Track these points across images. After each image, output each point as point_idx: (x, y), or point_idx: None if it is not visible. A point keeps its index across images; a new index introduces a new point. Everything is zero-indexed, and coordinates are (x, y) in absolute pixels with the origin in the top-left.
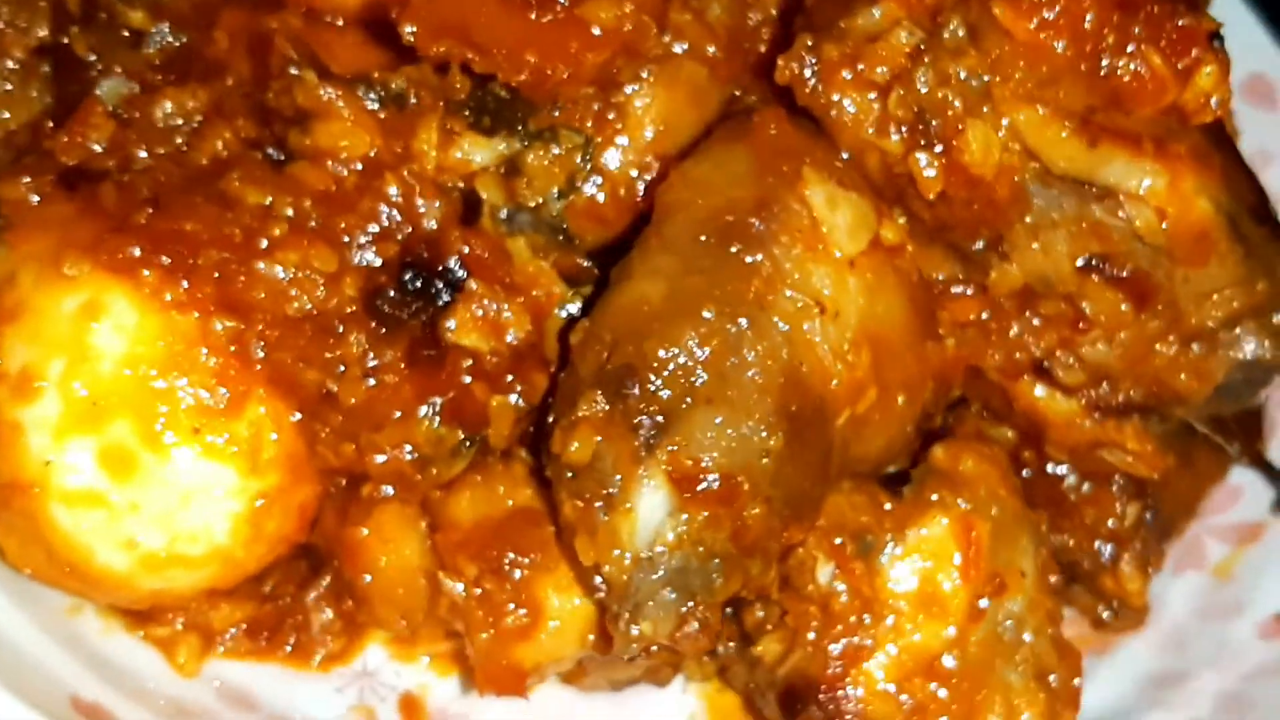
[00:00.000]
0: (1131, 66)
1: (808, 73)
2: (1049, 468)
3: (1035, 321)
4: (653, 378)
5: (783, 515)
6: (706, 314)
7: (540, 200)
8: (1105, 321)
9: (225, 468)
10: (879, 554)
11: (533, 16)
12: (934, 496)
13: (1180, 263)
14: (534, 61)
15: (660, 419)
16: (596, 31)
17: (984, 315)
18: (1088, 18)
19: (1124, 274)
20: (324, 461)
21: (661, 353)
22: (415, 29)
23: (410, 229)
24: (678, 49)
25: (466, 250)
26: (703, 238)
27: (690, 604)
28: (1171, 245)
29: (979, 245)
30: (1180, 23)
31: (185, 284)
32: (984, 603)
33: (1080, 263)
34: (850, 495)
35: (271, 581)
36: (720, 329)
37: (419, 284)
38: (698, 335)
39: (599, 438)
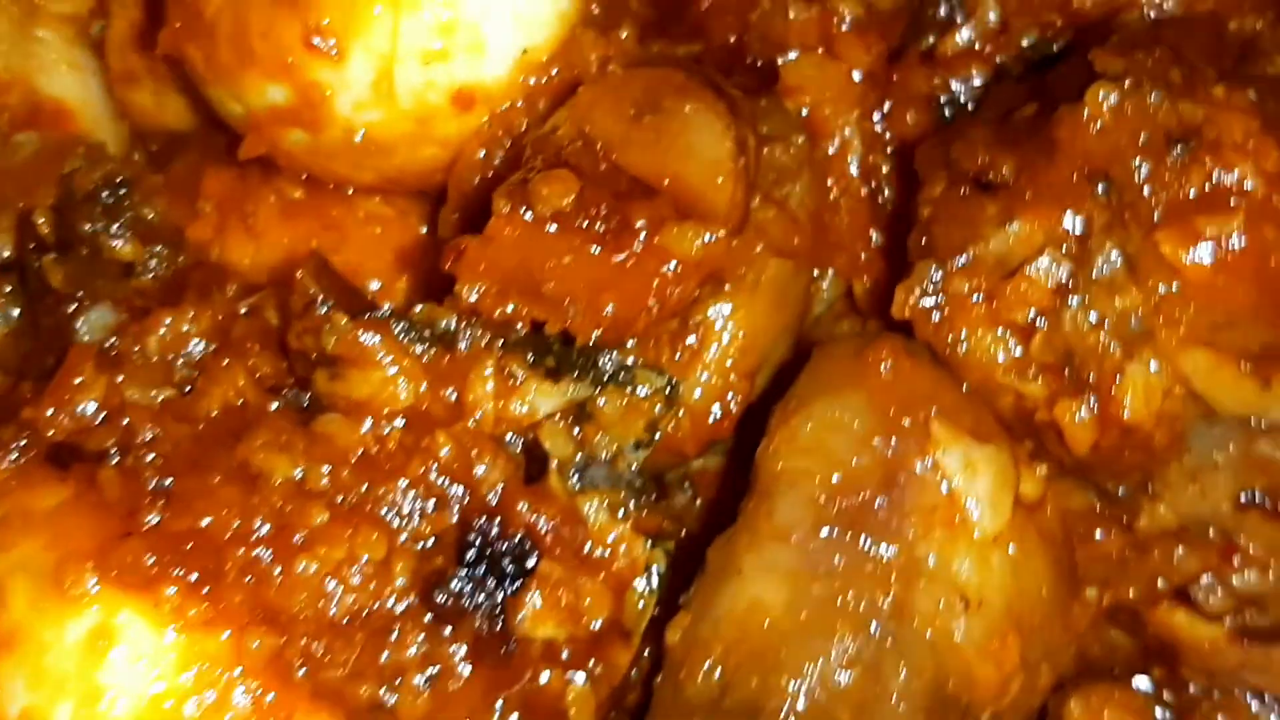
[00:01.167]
0: None
1: (931, 305)
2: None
3: (1180, 550)
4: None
5: None
6: (843, 635)
7: (616, 451)
8: (1262, 555)
9: None
10: None
11: (604, 256)
12: None
13: None
14: (613, 313)
15: None
16: (675, 269)
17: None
18: (1272, 256)
19: None
20: None
21: (793, 686)
22: (476, 291)
23: (467, 497)
24: (759, 249)
25: (535, 518)
26: (825, 530)
27: None
28: None
29: (1125, 486)
30: None
31: (211, 596)
32: None
33: (1241, 499)
34: None
35: None
36: (858, 652)
37: (484, 567)
38: (833, 663)
39: None
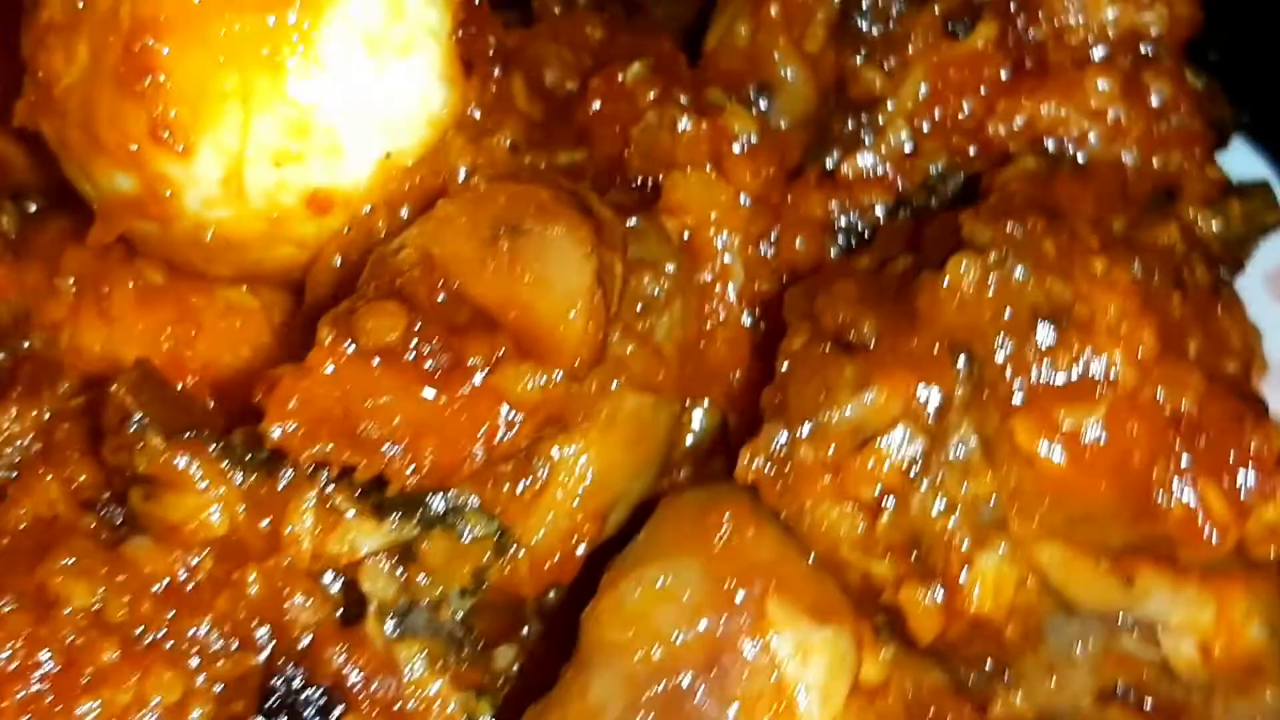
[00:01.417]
0: (1184, 501)
1: (775, 471)
2: None
3: None
4: None
5: None
6: None
7: (440, 597)
8: None
9: None
10: None
11: (433, 398)
12: None
13: (1224, 694)
14: (434, 458)
15: None
16: (509, 415)
17: None
18: (1135, 453)
19: (1151, 704)
20: None
21: None
22: (283, 429)
23: (275, 639)
24: (615, 384)
25: (346, 666)
26: (639, 715)
27: None
28: (1215, 678)
29: (978, 673)
30: (1249, 446)
31: None
32: None
33: (1102, 693)
34: None
35: None
36: None
37: (284, 718)
38: None
39: None
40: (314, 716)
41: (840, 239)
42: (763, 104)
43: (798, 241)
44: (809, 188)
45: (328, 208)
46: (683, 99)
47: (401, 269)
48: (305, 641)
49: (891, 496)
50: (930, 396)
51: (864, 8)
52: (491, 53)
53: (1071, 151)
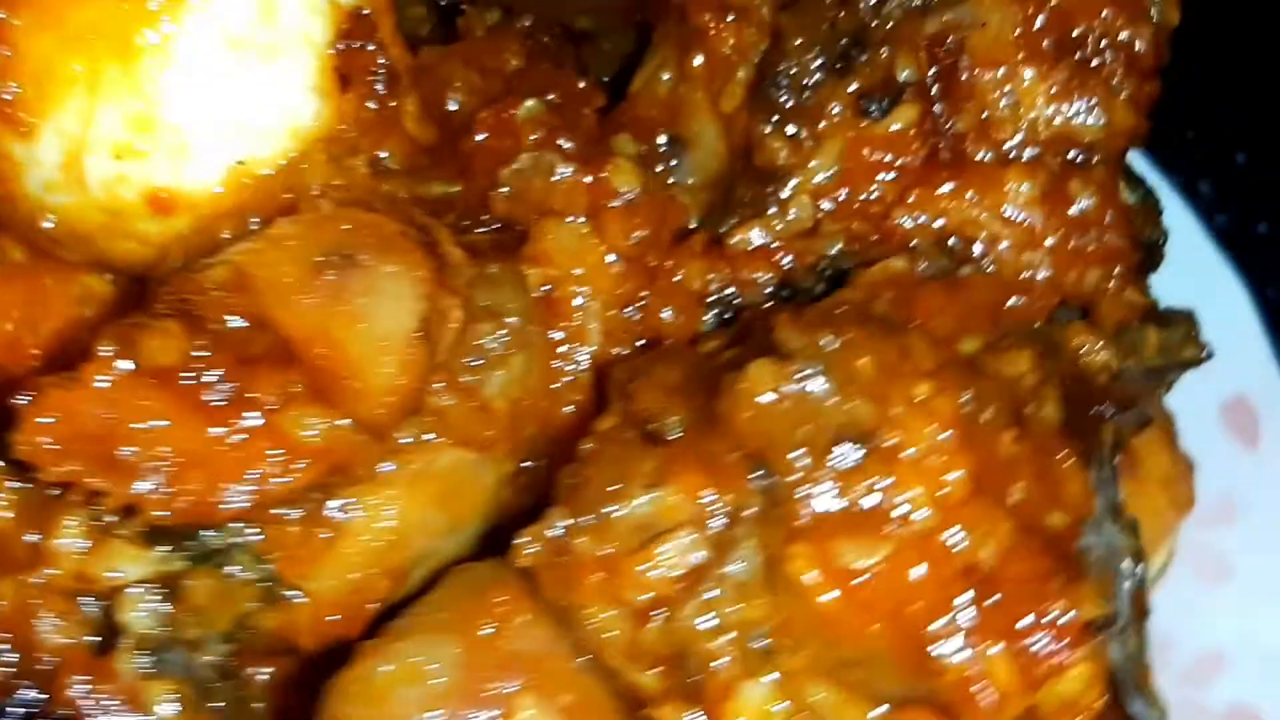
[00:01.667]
0: (959, 662)
1: (550, 560)
2: None
3: None
4: None
5: None
6: None
7: (200, 637)
8: None
9: None
10: None
11: (203, 429)
12: None
13: None
14: (195, 495)
15: None
16: (286, 458)
17: None
18: (917, 601)
19: None
20: None
21: None
22: (32, 442)
23: (19, 658)
24: (429, 437)
25: (88, 698)
26: None
27: None
28: None
29: None
30: (1051, 611)
31: None
32: None
33: None
34: None
35: None
36: None
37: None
38: None
39: None
40: None
41: (712, 314)
42: (672, 158)
43: (667, 311)
44: (692, 255)
45: (170, 209)
46: (566, 144)
47: (202, 286)
48: (49, 667)
49: (664, 607)
50: (721, 506)
51: (781, 73)
52: (378, 69)
53: (978, 254)
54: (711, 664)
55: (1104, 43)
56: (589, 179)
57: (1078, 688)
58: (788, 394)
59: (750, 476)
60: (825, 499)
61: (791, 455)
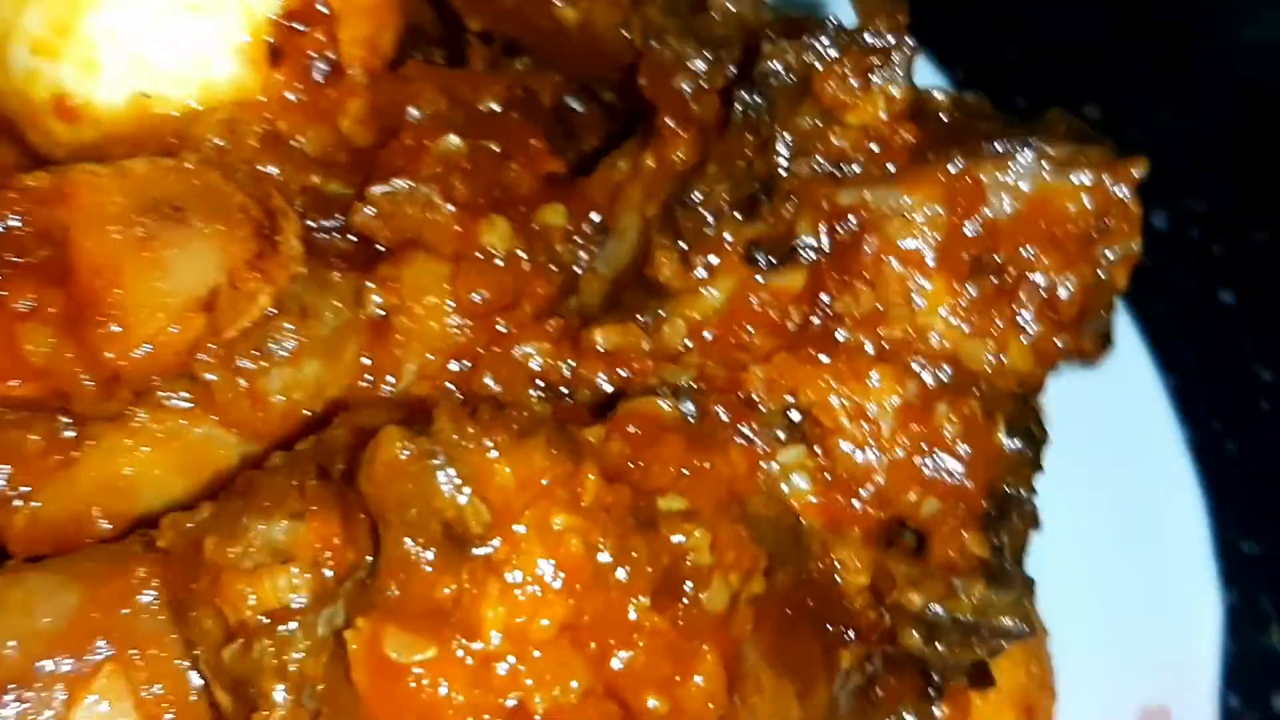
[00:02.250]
0: None
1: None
2: None
3: None
4: None
5: None
6: None
7: None
8: None
9: None
10: None
11: None
12: None
13: None
14: None
15: None
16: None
17: None
18: (444, 715)
19: None
20: None
21: None
22: None
23: None
24: (187, 405)
25: None
26: None
27: None
28: None
29: None
30: None
31: None
32: None
33: None
34: None
35: None
36: None
37: None
38: None
39: None
40: None
41: (538, 395)
42: (594, 243)
43: (488, 377)
44: (543, 334)
45: (73, 117)
46: (458, 186)
47: (18, 184)
48: None
49: (246, 634)
50: (339, 559)
51: (691, 199)
52: (318, 57)
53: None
54: (264, 707)
55: (1027, 278)
56: (458, 227)
57: None
58: (409, 473)
59: (367, 539)
60: (404, 585)
61: (400, 531)
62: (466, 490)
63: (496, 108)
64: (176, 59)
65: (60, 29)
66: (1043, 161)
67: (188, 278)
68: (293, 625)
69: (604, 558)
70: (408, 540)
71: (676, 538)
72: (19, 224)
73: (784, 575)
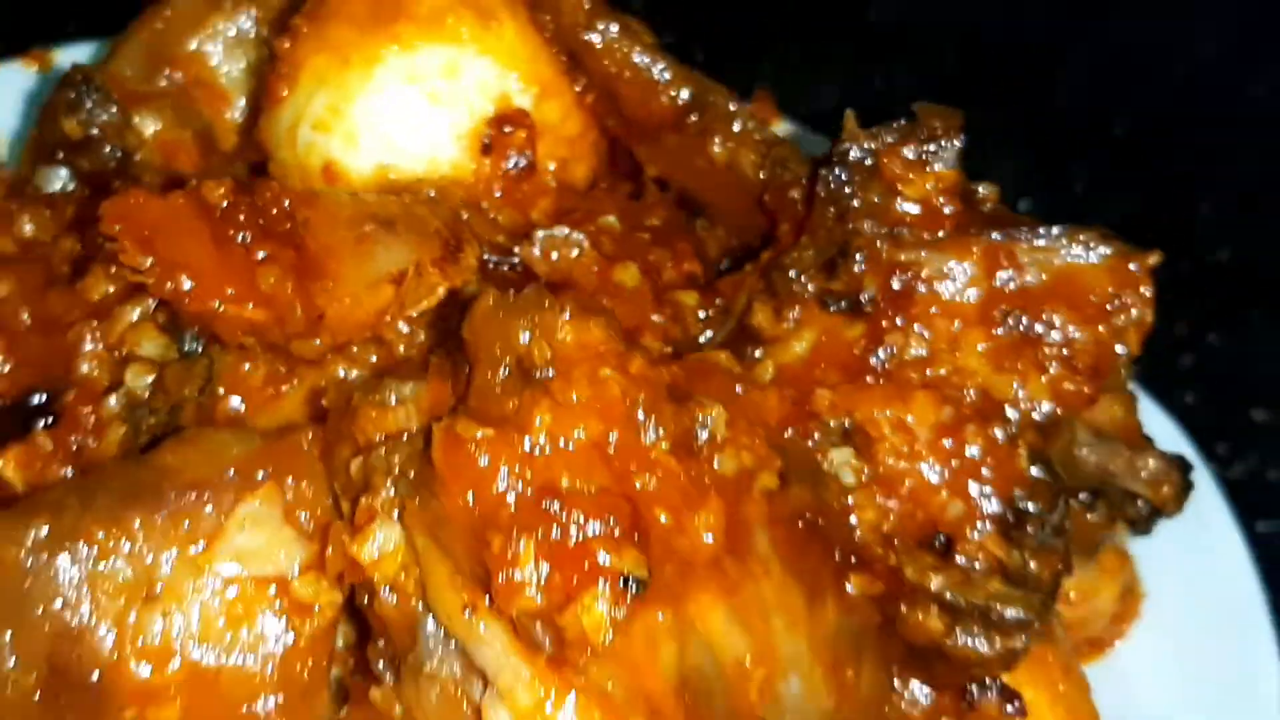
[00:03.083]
0: (505, 546)
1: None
2: None
3: None
4: None
5: None
6: (38, 531)
7: (155, 406)
8: None
9: None
10: None
11: (225, 254)
12: None
13: None
14: (192, 295)
15: None
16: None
17: None
18: (491, 484)
19: None
20: None
21: None
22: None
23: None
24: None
25: (80, 411)
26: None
27: None
28: None
29: (383, 662)
30: (597, 549)
31: None
32: None
33: None
34: None
35: None
36: None
37: (25, 407)
38: None
39: None
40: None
41: None
42: (715, 326)
43: None
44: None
45: (334, 180)
46: (606, 243)
47: (278, 186)
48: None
49: (367, 451)
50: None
51: (784, 263)
52: (521, 158)
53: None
54: (355, 489)
55: (1050, 331)
56: (596, 268)
57: (594, 622)
58: (497, 319)
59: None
60: (480, 401)
61: (488, 362)
62: (537, 336)
63: (658, 223)
64: (415, 141)
65: (335, 110)
66: (1072, 244)
67: (386, 263)
68: (401, 441)
69: (636, 406)
70: (489, 372)
71: (700, 415)
72: (272, 204)
73: (799, 492)
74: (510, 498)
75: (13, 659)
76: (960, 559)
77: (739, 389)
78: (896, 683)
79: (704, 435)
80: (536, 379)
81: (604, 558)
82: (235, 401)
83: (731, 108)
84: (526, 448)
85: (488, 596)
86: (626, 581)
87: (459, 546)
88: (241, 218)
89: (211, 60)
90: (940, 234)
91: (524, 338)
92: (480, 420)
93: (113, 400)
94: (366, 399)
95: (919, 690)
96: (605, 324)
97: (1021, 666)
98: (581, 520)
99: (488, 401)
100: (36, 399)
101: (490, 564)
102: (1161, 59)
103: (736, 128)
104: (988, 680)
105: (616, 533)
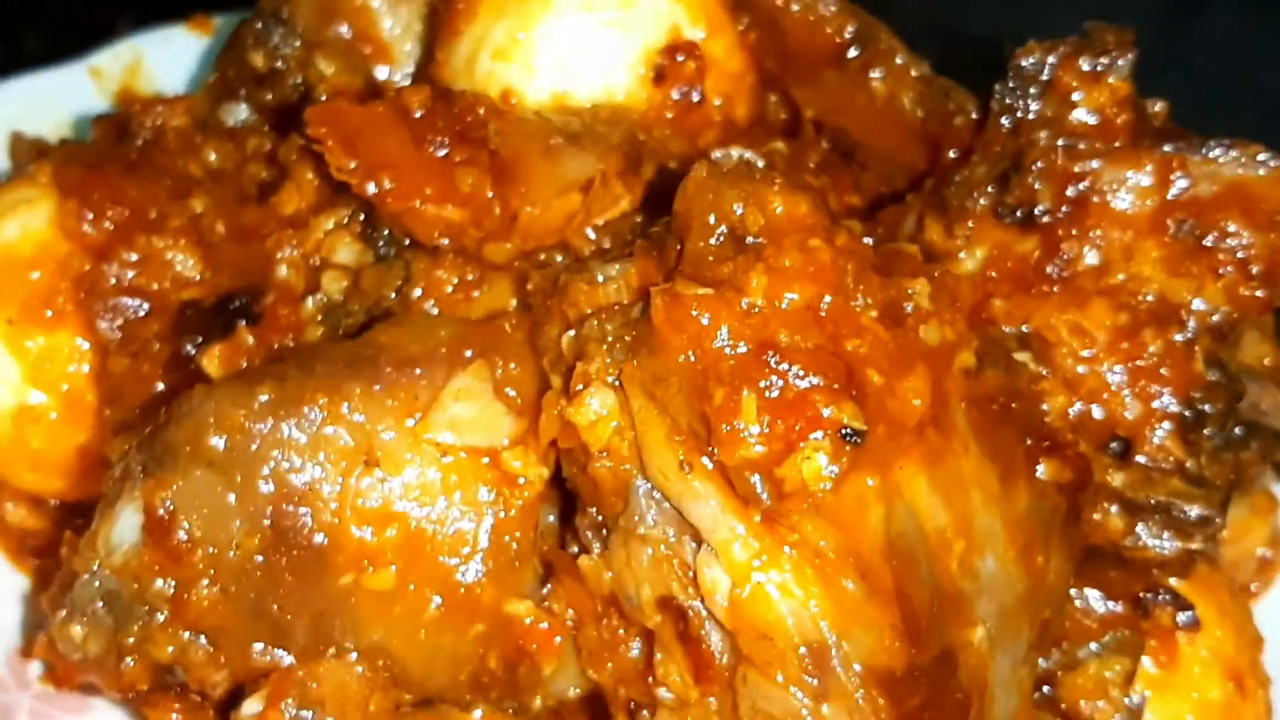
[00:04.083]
0: (725, 397)
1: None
2: None
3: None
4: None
5: (243, 617)
6: (262, 396)
7: (353, 309)
8: (669, 683)
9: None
10: None
11: (423, 154)
12: None
13: (744, 660)
14: (403, 199)
15: (161, 456)
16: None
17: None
18: (710, 339)
19: (694, 637)
20: None
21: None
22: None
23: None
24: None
25: (274, 314)
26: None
27: (131, 639)
28: (736, 631)
29: (591, 531)
30: (816, 399)
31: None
32: None
33: (661, 600)
34: None
35: None
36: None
37: (226, 308)
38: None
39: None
40: (228, 325)
41: None
42: None
43: None
44: None
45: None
46: (778, 164)
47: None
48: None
49: (579, 324)
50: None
51: (955, 179)
52: (692, 90)
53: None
54: (563, 360)
55: (1223, 238)
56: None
57: (814, 473)
58: (710, 187)
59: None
60: (696, 266)
61: (702, 230)
62: (750, 205)
63: (816, 161)
64: (591, 67)
65: (514, 38)
66: (1242, 156)
67: (573, 171)
68: (614, 310)
69: (845, 274)
70: (703, 239)
71: (907, 286)
72: (467, 112)
73: (994, 375)
74: (730, 352)
75: (238, 520)
76: (1140, 459)
77: (935, 274)
78: (1073, 591)
79: (908, 307)
80: (749, 245)
81: (824, 409)
82: (428, 306)
83: (893, 44)
84: (744, 307)
85: (704, 456)
86: (845, 433)
87: (677, 404)
88: (439, 124)
89: (377, 15)
90: (1115, 145)
91: (737, 207)
92: (699, 283)
93: (310, 302)
94: (577, 276)
95: (1094, 598)
96: (812, 200)
97: (1188, 583)
98: (801, 373)
99: (702, 266)
100: (236, 302)
101: (712, 416)
102: None
103: (899, 62)
104: (1161, 590)
105: (835, 387)
